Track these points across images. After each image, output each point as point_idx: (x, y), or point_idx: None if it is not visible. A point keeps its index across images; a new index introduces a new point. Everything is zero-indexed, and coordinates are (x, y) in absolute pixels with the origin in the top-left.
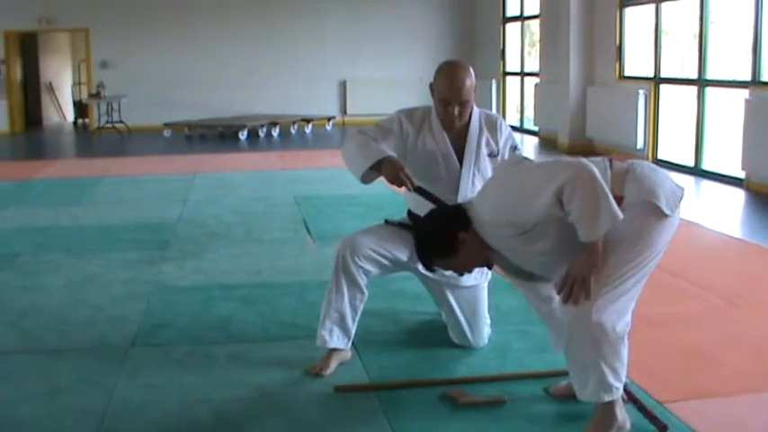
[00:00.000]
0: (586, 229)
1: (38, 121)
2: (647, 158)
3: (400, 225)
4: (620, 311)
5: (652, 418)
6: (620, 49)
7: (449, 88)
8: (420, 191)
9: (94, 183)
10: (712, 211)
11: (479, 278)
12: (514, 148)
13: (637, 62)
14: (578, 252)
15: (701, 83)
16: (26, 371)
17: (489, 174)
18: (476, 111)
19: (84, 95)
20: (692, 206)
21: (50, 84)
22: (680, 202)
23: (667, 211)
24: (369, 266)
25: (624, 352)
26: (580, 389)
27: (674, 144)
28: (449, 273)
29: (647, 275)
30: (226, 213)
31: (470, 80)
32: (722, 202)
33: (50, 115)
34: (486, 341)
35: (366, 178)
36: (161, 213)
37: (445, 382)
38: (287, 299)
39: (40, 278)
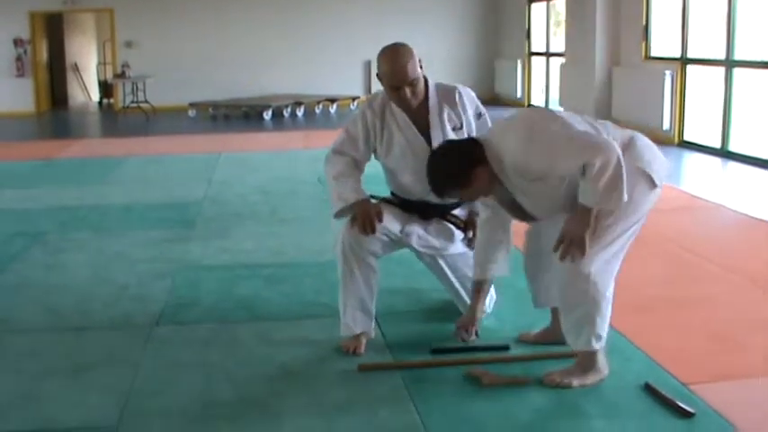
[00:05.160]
0: (595, 199)
1: (63, 101)
2: (674, 140)
3: (384, 200)
4: (610, 272)
5: (677, 407)
6: (646, 30)
7: (393, 73)
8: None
9: (120, 162)
10: (739, 192)
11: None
12: (479, 115)
13: (663, 42)
14: (576, 212)
15: (729, 63)
16: (51, 348)
17: None
18: (431, 85)
19: (110, 75)
20: (718, 188)
21: (75, 64)
22: (666, 176)
23: (658, 183)
24: (372, 246)
25: (609, 309)
26: (574, 339)
27: (701, 125)
28: (438, 243)
29: (632, 239)
30: (250, 193)
31: (412, 59)
32: (749, 183)
33: (76, 95)
34: (489, 309)
35: (339, 215)
36: (186, 192)
37: (468, 361)
38: (311, 278)
39: (66, 256)
